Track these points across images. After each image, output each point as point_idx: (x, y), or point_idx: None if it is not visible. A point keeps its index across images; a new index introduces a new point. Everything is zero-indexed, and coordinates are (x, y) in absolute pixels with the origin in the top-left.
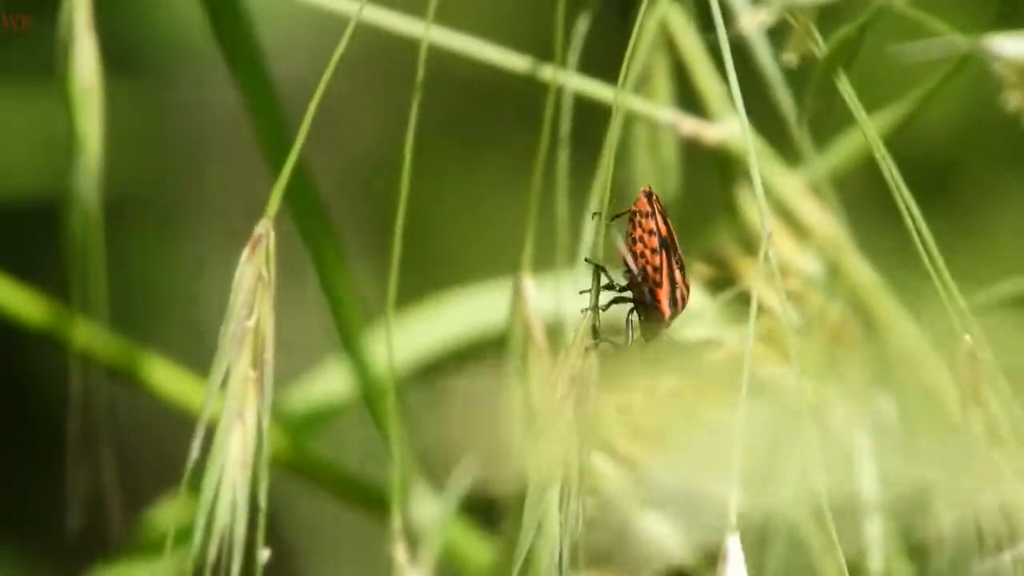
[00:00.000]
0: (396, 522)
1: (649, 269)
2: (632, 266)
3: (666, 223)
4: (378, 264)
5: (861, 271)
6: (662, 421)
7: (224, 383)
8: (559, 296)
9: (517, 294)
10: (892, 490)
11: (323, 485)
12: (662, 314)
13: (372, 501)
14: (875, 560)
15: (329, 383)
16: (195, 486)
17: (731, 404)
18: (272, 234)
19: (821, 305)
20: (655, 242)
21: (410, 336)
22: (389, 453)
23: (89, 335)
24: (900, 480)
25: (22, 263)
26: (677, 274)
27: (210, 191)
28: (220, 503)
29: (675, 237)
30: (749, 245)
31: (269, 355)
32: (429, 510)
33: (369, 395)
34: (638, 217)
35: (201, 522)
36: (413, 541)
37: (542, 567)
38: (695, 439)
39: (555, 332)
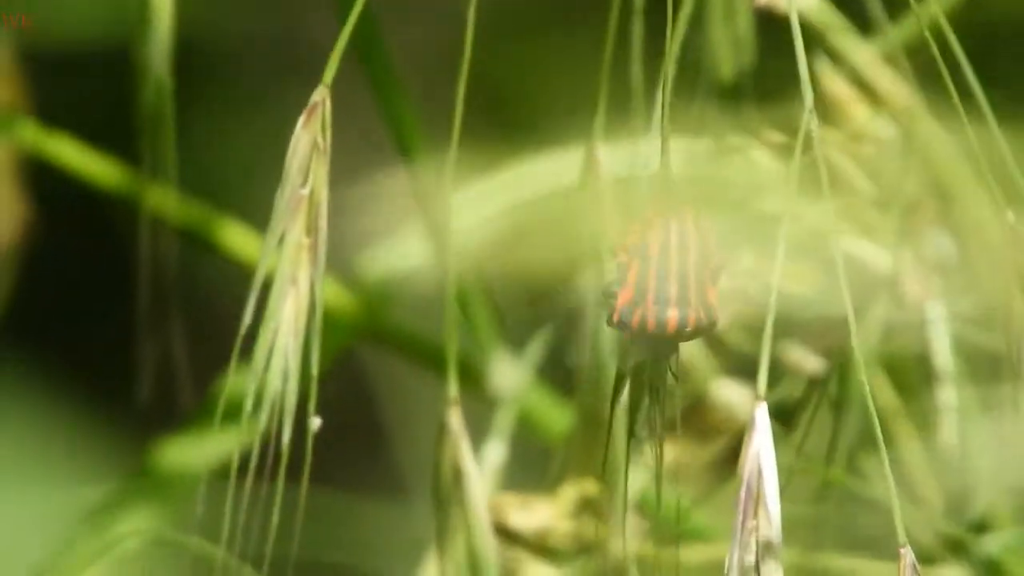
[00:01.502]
0: (452, 390)
1: (620, 256)
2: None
3: (680, 249)
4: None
5: (936, 139)
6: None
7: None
8: (632, 162)
9: (589, 160)
10: (967, 359)
11: (400, 351)
12: (614, 317)
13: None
14: (950, 423)
15: (406, 249)
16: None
17: (806, 275)
18: (328, 102)
19: (896, 174)
20: (634, 241)
21: (486, 201)
22: (464, 319)
23: (164, 200)
24: (976, 349)
25: (93, 115)
26: (652, 293)
27: (301, 54)
28: (271, 371)
29: (683, 268)
30: (825, 115)
31: (323, 223)
32: (507, 376)
33: (446, 261)
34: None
35: (252, 390)
36: (491, 407)
37: (621, 433)
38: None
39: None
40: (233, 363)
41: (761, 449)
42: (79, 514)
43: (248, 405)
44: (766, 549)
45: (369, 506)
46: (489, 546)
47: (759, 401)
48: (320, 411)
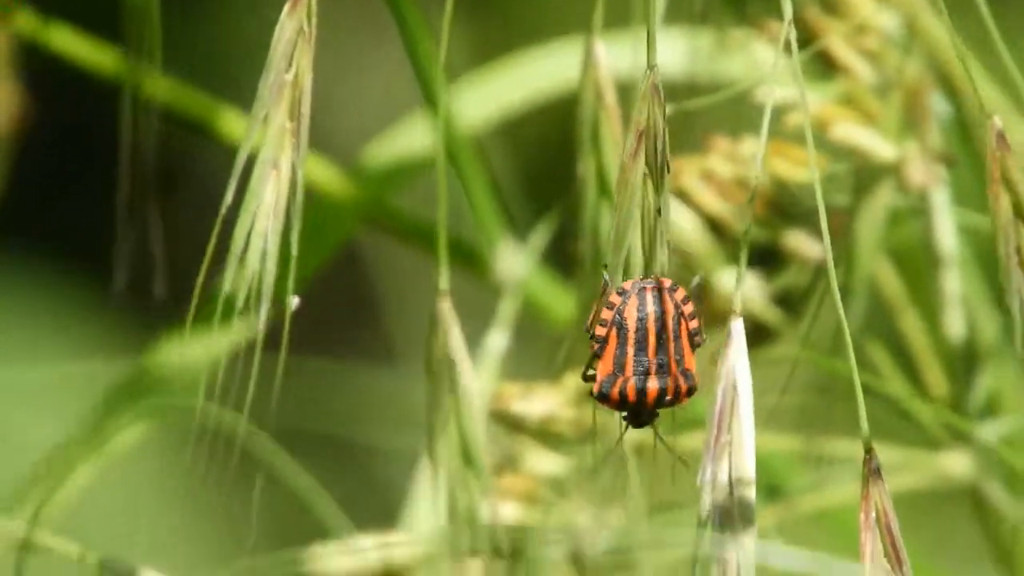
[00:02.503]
0: (443, 279)
1: (597, 331)
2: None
3: (658, 316)
4: (461, 25)
5: (939, 30)
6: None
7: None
8: (633, 56)
9: (588, 54)
10: (972, 244)
11: (404, 239)
12: (595, 390)
13: (455, 254)
14: (956, 312)
15: (411, 138)
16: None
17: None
18: None
19: (899, 64)
20: (608, 315)
21: (488, 93)
22: (468, 206)
23: (159, 86)
24: (980, 234)
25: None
26: (630, 367)
27: None
28: (250, 251)
29: (661, 335)
30: (831, 8)
31: (306, 108)
32: (512, 263)
33: (450, 150)
34: (611, 288)
35: (231, 269)
36: (497, 294)
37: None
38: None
39: (628, 91)
40: (210, 248)
41: (736, 364)
42: (76, 409)
43: (226, 285)
44: (740, 465)
45: (363, 376)
46: (480, 436)
47: (735, 316)
48: (324, 296)
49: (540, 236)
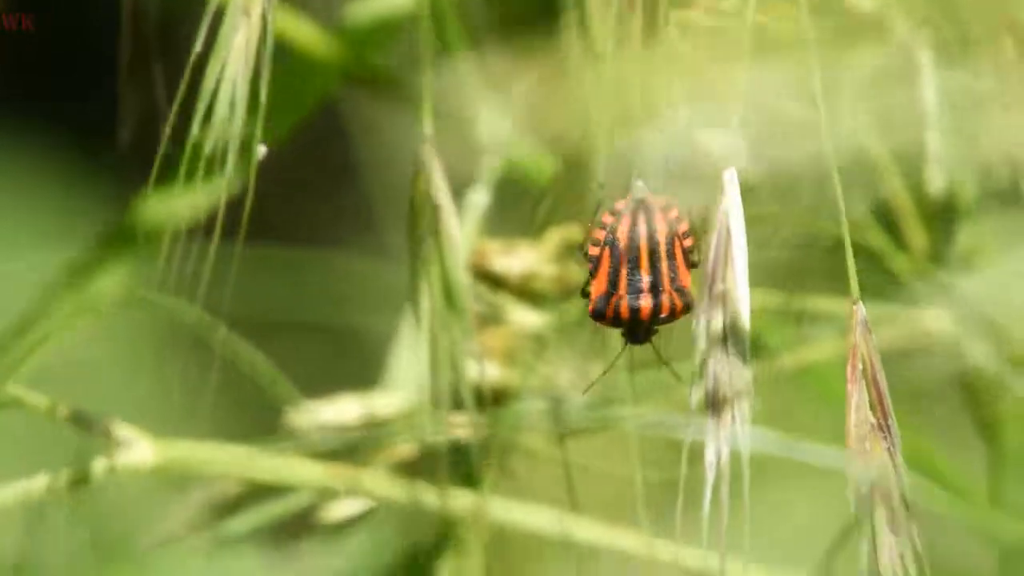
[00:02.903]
0: (427, 126)
1: (590, 251)
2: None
3: (651, 235)
4: None
5: None
6: (723, 36)
7: None
8: None
9: None
10: (955, 110)
11: (384, 95)
12: (590, 308)
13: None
14: (937, 176)
15: None
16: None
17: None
18: None
19: None
20: (600, 235)
21: None
22: (449, 59)
23: None
24: (962, 97)
25: None
26: (623, 285)
27: None
28: (219, 98)
29: (654, 254)
30: None
31: None
32: (492, 125)
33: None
34: (605, 208)
35: (200, 115)
36: (477, 154)
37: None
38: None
39: None
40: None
41: (730, 212)
42: (55, 271)
43: (194, 131)
44: (734, 313)
45: (347, 257)
46: (463, 278)
47: (729, 164)
48: (300, 154)
49: (522, 89)
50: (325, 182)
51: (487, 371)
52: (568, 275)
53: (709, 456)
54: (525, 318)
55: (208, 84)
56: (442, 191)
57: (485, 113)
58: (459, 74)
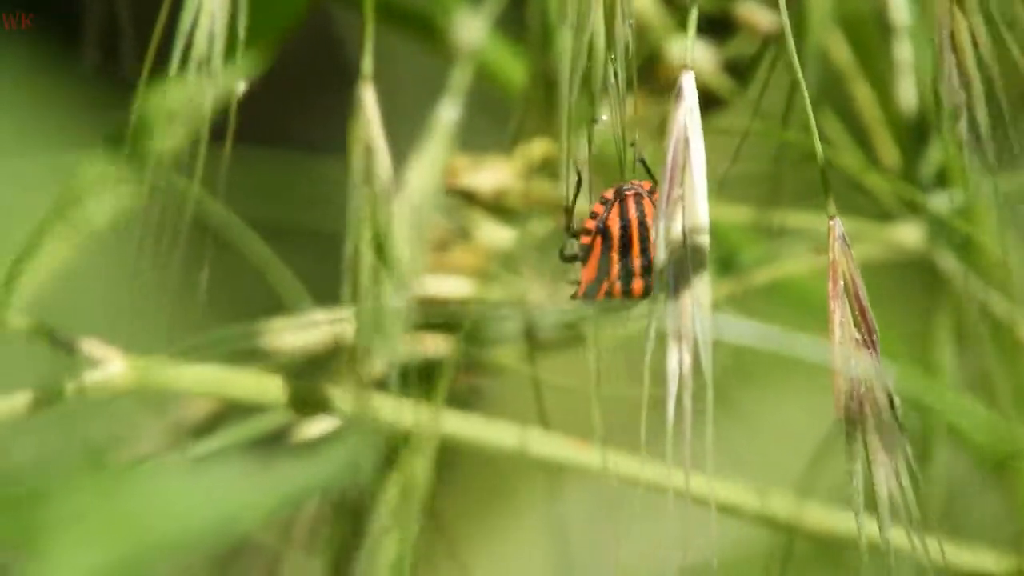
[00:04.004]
0: (366, 65)
1: (582, 240)
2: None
3: (641, 220)
4: None
5: None
6: None
7: None
8: None
9: None
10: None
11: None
12: (579, 292)
13: (416, 25)
14: (907, 82)
15: None
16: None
17: None
18: None
19: None
20: (591, 224)
21: None
22: None
23: None
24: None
25: None
26: (615, 271)
27: None
28: (198, 33)
29: (644, 239)
30: None
31: None
32: (467, 30)
33: None
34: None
35: (177, 52)
36: (454, 57)
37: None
38: None
39: None
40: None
41: (687, 119)
42: (39, 181)
43: (173, 66)
44: (692, 220)
45: (330, 164)
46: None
47: (686, 70)
48: (288, 67)
49: (494, 2)
50: (314, 86)
51: (457, 289)
52: (539, 191)
53: (672, 351)
54: (496, 234)
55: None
56: (379, 137)
57: (459, 20)
58: None
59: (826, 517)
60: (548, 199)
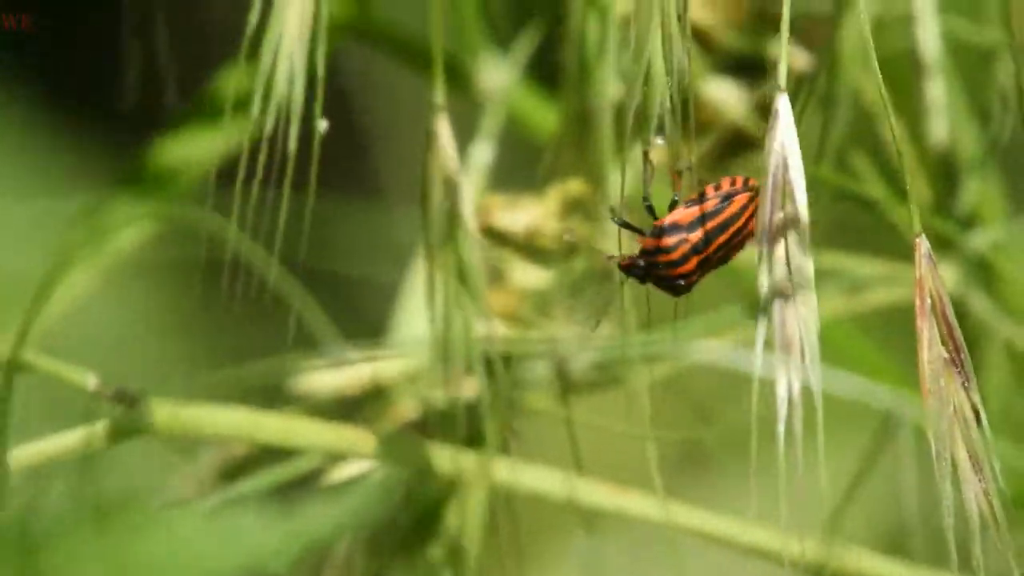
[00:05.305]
0: (438, 96)
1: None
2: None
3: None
4: None
5: None
6: None
7: None
8: None
9: None
10: (956, 52)
11: (389, 51)
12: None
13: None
14: (939, 121)
15: None
16: (254, 56)
17: None
18: None
19: None
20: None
21: None
22: (451, 16)
23: None
24: (965, 44)
25: None
26: (686, 245)
27: None
28: (277, 73)
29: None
30: None
31: None
32: (495, 76)
33: None
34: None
35: (259, 91)
36: (479, 108)
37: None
38: None
39: None
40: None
41: (785, 140)
42: (76, 218)
43: (256, 107)
44: (796, 240)
45: (352, 210)
46: (475, 247)
47: (780, 92)
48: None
49: (524, 46)
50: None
51: (492, 330)
52: (573, 231)
53: (780, 390)
54: (529, 275)
55: (266, 57)
56: (456, 167)
57: (488, 63)
58: (460, 24)
59: (864, 561)
60: (581, 239)
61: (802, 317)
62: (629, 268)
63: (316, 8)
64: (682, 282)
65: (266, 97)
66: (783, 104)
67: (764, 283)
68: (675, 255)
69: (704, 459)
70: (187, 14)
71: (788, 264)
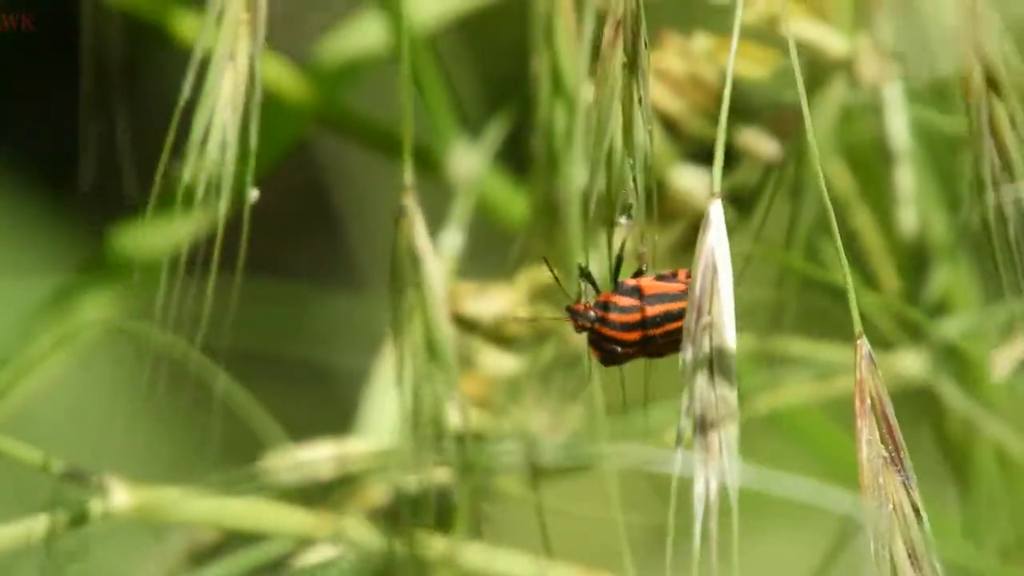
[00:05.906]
0: (407, 175)
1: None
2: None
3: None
4: None
5: None
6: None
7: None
8: None
9: None
10: (925, 140)
11: (356, 138)
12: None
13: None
14: (908, 208)
15: (363, 35)
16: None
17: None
18: None
19: None
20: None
21: None
22: (422, 104)
23: None
24: (933, 131)
25: None
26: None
27: None
28: (209, 143)
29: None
30: None
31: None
32: (466, 162)
33: (402, 47)
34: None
35: (190, 161)
36: (450, 192)
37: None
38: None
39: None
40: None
41: (715, 244)
42: (34, 303)
43: (185, 177)
44: (720, 345)
45: (324, 297)
46: (446, 327)
47: (713, 197)
48: (275, 200)
49: (494, 135)
50: (301, 228)
51: (463, 413)
52: (541, 319)
53: (698, 488)
54: (499, 362)
55: (197, 127)
56: (424, 241)
57: (458, 151)
58: (430, 112)
59: None
60: (551, 326)
61: (723, 419)
62: (577, 314)
63: (249, 82)
64: (618, 349)
65: (196, 167)
66: (716, 210)
67: (685, 388)
68: (626, 318)
69: (674, 543)
70: (146, 89)
71: (711, 370)
